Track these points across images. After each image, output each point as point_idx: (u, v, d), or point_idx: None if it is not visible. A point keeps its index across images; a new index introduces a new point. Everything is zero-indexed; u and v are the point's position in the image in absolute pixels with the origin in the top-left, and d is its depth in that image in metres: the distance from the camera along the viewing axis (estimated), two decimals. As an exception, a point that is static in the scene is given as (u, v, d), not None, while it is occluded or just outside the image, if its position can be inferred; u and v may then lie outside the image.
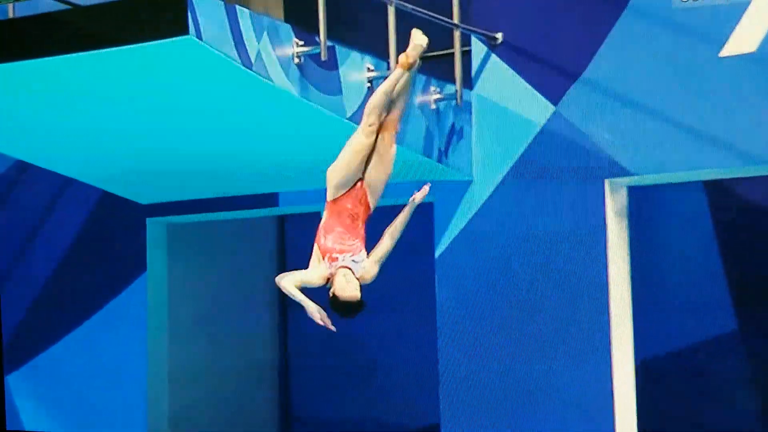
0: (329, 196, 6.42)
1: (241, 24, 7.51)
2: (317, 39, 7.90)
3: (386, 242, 6.40)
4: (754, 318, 9.91)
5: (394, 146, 6.49)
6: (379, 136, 6.43)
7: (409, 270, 10.55)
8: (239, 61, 7.47)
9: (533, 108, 9.10)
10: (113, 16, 7.48)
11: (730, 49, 8.53)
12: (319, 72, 8.02)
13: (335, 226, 6.36)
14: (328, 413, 11.52)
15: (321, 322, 6.22)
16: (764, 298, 9.86)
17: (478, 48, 9.28)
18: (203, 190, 10.23)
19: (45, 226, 11.22)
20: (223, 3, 7.39)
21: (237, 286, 11.41)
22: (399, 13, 8.37)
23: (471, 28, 9.20)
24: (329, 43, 7.96)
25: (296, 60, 7.88)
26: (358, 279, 6.25)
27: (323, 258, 6.33)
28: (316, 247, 6.42)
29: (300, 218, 11.07)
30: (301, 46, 7.89)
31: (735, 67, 8.52)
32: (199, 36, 7.19)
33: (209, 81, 7.86)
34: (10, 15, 8.27)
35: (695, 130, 8.62)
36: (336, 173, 6.38)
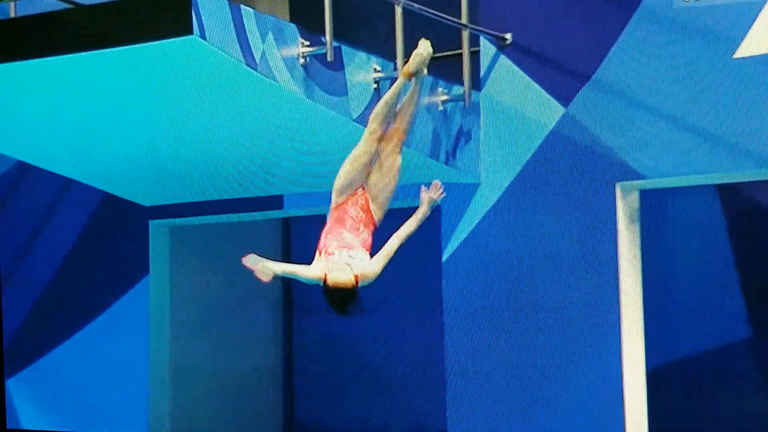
0: (332, 203, 6.47)
1: (245, 24, 7.51)
2: (323, 39, 7.88)
3: (392, 241, 6.39)
4: (768, 323, 9.88)
5: (399, 157, 6.49)
6: (382, 145, 6.44)
7: (415, 273, 10.54)
8: (244, 62, 7.48)
9: (543, 110, 9.03)
10: (116, 16, 7.47)
11: (744, 50, 8.45)
12: (324, 73, 8.02)
13: (337, 230, 6.39)
14: (332, 418, 11.46)
15: (249, 265, 6.25)
16: (778, 303, 9.84)
17: (486, 48, 9.22)
18: (207, 192, 10.18)
19: (47, 227, 11.22)
20: (227, 2, 7.40)
21: (240, 288, 11.33)
22: (406, 13, 8.33)
23: (480, 28, 9.14)
24: (335, 44, 7.95)
25: (302, 60, 7.87)
26: (356, 276, 6.20)
27: (320, 254, 6.34)
28: (317, 252, 6.43)
29: (305, 221, 11.06)
30: (307, 46, 7.89)
31: (749, 69, 8.44)
32: (203, 36, 7.19)
33: (213, 81, 7.85)
34: (12, 14, 8.21)
35: (708, 132, 8.55)
36: (338, 179, 6.42)
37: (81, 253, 11.04)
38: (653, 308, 9.22)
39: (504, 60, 9.17)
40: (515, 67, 9.13)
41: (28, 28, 7.70)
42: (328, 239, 6.38)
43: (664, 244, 9.83)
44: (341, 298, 6.24)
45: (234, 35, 7.39)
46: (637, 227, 9.01)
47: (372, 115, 6.49)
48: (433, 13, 8.57)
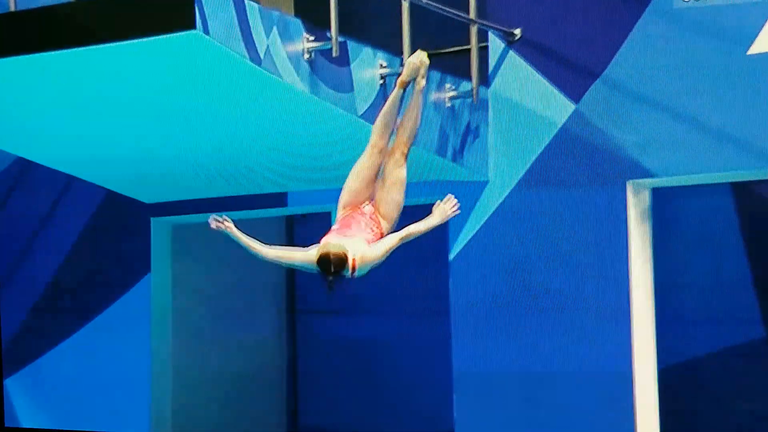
0: (337, 215, 6.44)
1: (249, 18, 7.45)
2: (328, 34, 7.84)
3: (395, 235, 6.34)
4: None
5: (403, 170, 6.45)
6: (386, 159, 6.43)
7: (422, 273, 10.53)
8: (247, 57, 7.41)
9: (552, 106, 8.96)
10: (117, 10, 7.43)
11: (759, 47, 8.37)
12: (330, 68, 7.97)
13: (341, 231, 6.33)
14: (337, 421, 11.43)
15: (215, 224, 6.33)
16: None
17: (495, 44, 9.17)
18: (209, 190, 10.16)
19: (47, 225, 11.23)
20: (230, -4, 7.40)
21: (243, 288, 11.37)
22: (414, 7, 8.26)
23: (488, 23, 9.11)
24: (341, 39, 7.89)
25: (306, 56, 7.83)
26: (353, 258, 6.10)
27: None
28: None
29: (309, 218, 11.03)
30: (312, 41, 7.85)
31: (764, 65, 8.36)
32: (206, 31, 7.12)
33: (216, 77, 7.78)
34: (12, 8, 8.13)
35: (721, 130, 8.47)
36: (341, 192, 6.39)
37: (82, 251, 11.05)
38: (665, 308, 9.17)
39: (513, 56, 9.11)
40: (524, 63, 9.07)
41: (27, 22, 7.66)
42: (329, 237, 6.31)
43: (676, 244, 9.78)
44: (331, 261, 6.07)
45: (237, 30, 7.34)
46: (648, 226, 8.95)
47: (373, 127, 6.48)
48: (441, 8, 8.51)
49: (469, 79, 8.92)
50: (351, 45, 8.13)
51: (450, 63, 8.92)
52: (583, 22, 8.92)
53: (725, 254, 9.85)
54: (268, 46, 7.54)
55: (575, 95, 8.90)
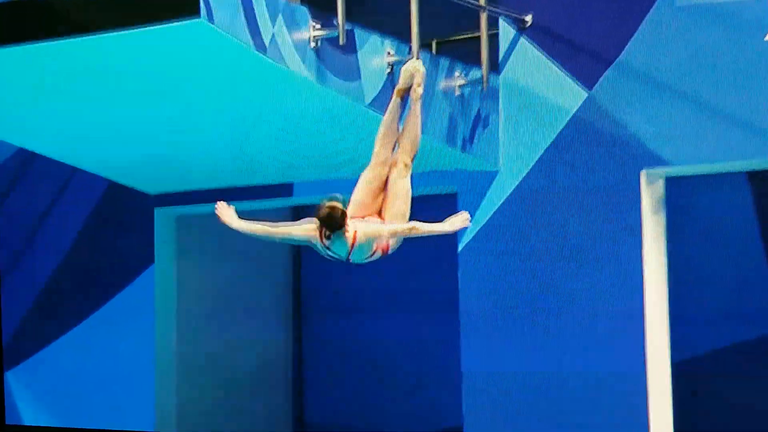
0: None
1: (254, 6, 7.45)
2: (335, 22, 7.81)
3: (404, 224, 6.27)
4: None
5: (406, 181, 6.42)
6: (390, 169, 6.42)
7: (430, 264, 10.50)
8: (252, 46, 7.40)
9: (565, 94, 8.92)
10: None
11: (777, 32, 8.42)
12: (336, 56, 7.95)
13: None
14: (343, 415, 11.39)
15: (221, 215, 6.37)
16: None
17: (506, 31, 9.15)
18: (214, 180, 10.11)
19: (50, 217, 11.21)
20: (235, -17, 7.41)
21: (249, 280, 11.31)
22: (422, -6, 8.32)
23: (498, 10, 9.12)
24: (348, 26, 7.89)
25: (313, 44, 7.80)
26: (354, 231, 6.07)
27: None
28: None
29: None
30: (318, 29, 7.82)
31: (782, 52, 8.42)
32: (210, 19, 7.09)
33: (221, 66, 7.78)
34: (13, -4, 8.09)
35: (738, 117, 8.41)
36: (349, 204, 6.28)
37: (85, 242, 11.02)
38: (679, 301, 9.12)
39: (524, 42, 9.09)
40: (536, 50, 9.04)
41: (29, 10, 7.63)
42: None
43: (691, 235, 9.74)
44: (329, 210, 6.02)
45: (242, 18, 7.32)
46: (662, 217, 8.90)
47: (375, 138, 6.46)
48: (450, -6, 8.58)
49: (479, 66, 8.89)
50: (358, 33, 8.10)
51: (459, 50, 8.90)
52: (596, 7, 8.90)
53: (742, 246, 9.79)
54: (273, 34, 7.51)
55: (588, 82, 8.87)
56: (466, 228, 9.10)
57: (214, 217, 10.77)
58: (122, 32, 7.30)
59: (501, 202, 9.12)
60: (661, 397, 8.78)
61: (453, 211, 9.03)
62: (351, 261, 6.17)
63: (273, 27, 7.49)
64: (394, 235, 6.17)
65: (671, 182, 8.98)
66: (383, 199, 6.38)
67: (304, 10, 7.81)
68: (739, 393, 9.68)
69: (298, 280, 11.66)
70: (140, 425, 10.60)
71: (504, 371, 9.05)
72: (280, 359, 11.63)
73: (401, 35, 8.34)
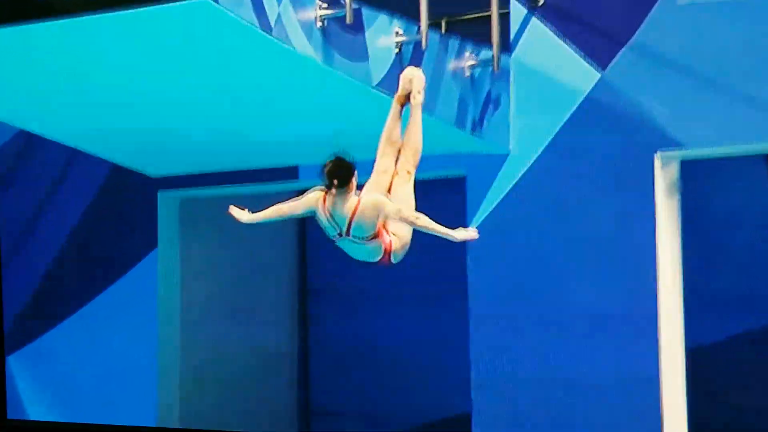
0: None
1: None
2: (342, 1, 7.74)
3: (412, 212, 6.23)
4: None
5: (408, 186, 6.38)
6: (393, 177, 6.40)
7: (438, 250, 10.27)
8: (258, 26, 7.34)
9: (577, 75, 8.89)
10: None
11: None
12: (343, 36, 7.89)
13: None
14: (350, 403, 11.38)
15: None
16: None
17: (517, 10, 9.11)
18: (219, 163, 10.14)
19: (52, 200, 11.24)
20: (241, -38, 7.38)
21: (254, 265, 11.31)
22: (431, -28, 8.29)
23: None
24: (355, 5, 7.82)
25: (319, 24, 7.73)
26: (358, 199, 6.05)
27: None
28: None
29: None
30: (325, 8, 7.75)
31: (800, 32, 8.40)
32: None
33: (226, 47, 7.73)
34: (16, -24, 8.03)
35: (755, 98, 8.35)
36: None
37: (87, 226, 11.04)
38: (694, 287, 9.06)
39: (535, 22, 9.05)
40: (547, 30, 9.00)
41: None
42: None
43: (706, 219, 9.71)
44: (338, 161, 6.07)
45: None
46: (676, 200, 8.86)
47: (377, 148, 6.42)
48: (460, -28, 8.48)
49: (490, 46, 8.83)
50: (366, 12, 8.03)
51: (470, 30, 8.85)
52: (611, -14, 8.93)
53: (760, 231, 9.75)
54: (279, 14, 7.43)
55: (601, 63, 8.83)
56: (475, 210, 9.12)
57: (219, 201, 10.77)
58: (127, 12, 7.23)
59: (511, 186, 9.10)
60: (674, 386, 8.72)
61: (462, 195, 9.21)
62: (351, 236, 6.08)
63: (279, 6, 7.41)
64: (398, 213, 6.10)
65: (686, 165, 8.93)
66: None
67: (311, -12, 7.83)
68: (754, 379, 9.64)
69: (303, 261, 11.65)
70: (142, 414, 10.60)
71: (513, 353, 9.01)
72: (285, 342, 11.62)
73: (410, 14, 8.27)
